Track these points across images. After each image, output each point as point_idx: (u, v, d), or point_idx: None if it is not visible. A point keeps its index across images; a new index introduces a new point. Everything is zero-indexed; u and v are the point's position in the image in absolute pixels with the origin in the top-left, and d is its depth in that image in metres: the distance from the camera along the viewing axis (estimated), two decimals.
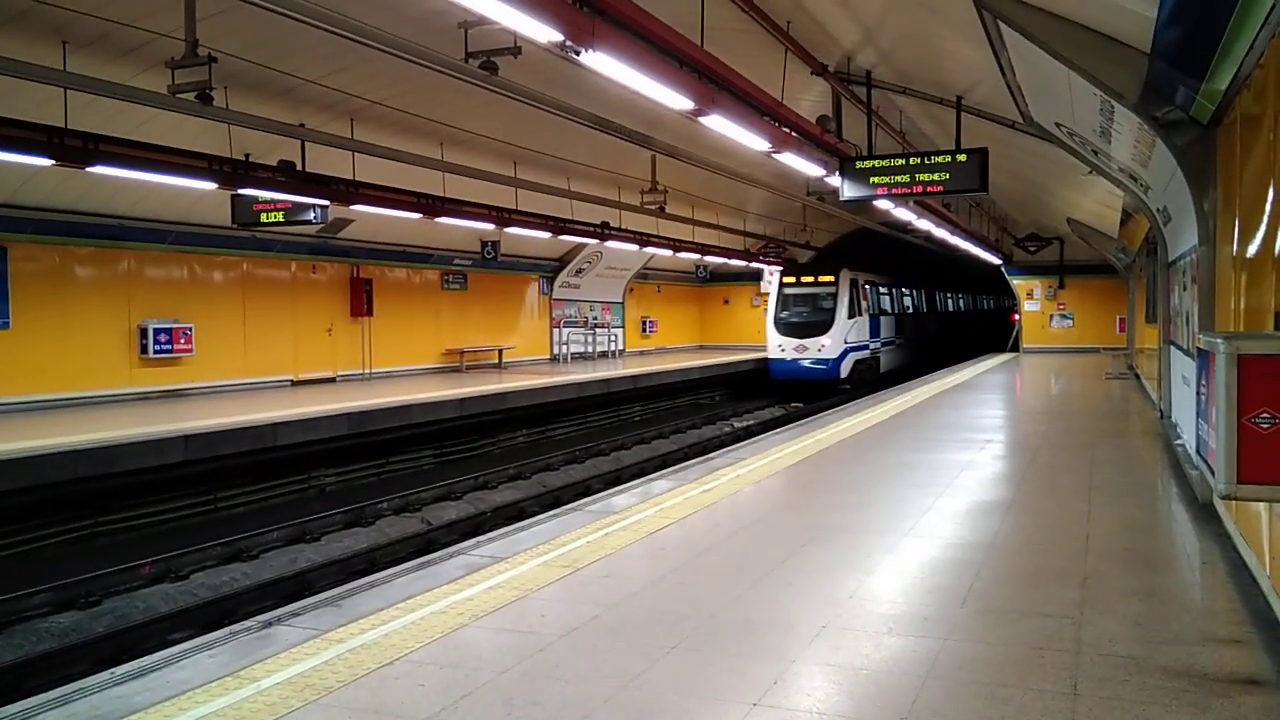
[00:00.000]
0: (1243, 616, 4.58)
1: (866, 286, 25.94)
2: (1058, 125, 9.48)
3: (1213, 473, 3.62)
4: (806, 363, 24.27)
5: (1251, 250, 4.80)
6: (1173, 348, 10.33)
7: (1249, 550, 5.17)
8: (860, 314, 25.14)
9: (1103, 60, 6.54)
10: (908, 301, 30.79)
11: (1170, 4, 4.47)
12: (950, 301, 35.89)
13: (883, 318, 27.39)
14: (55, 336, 13.19)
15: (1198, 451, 4.19)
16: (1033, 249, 27.89)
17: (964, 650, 4.18)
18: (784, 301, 25.14)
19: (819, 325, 24.26)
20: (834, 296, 24.43)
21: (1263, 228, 4.40)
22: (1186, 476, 7.93)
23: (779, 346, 24.63)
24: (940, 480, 8.24)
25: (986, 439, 10.83)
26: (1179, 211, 8.34)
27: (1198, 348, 4.23)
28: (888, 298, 28.41)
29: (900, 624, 4.54)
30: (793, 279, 25.11)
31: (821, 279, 24.78)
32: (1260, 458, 3.40)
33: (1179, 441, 9.13)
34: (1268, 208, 4.26)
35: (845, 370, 24.39)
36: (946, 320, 34.69)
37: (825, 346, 24.03)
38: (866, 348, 25.64)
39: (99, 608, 8.14)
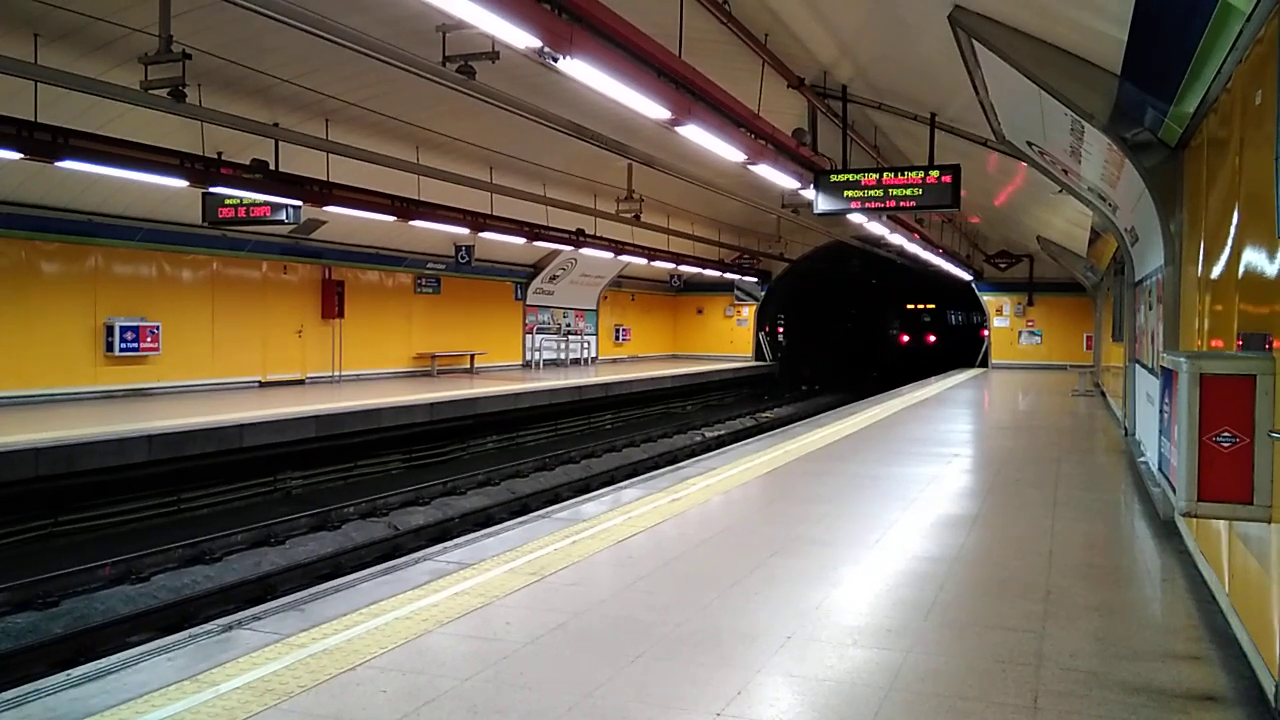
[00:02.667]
0: (1201, 633, 4.63)
1: (942, 309, 46.62)
2: (1029, 144, 9.59)
3: (1174, 490, 3.67)
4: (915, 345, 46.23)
5: (1216, 272, 4.88)
6: (1138, 366, 10.47)
7: (1208, 567, 5.24)
8: (941, 320, 46.69)
9: (1074, 81, 6.63)
10: (948, 316, 48.61)
11: (1140, 28, 4.54)
12: (956, 316, 50.84)
13: (941, 324, 47.51)
14: (18, 332, 12.99)
15: (1160, 469, 4.24)
16: (1003, 266, 28.19)
17: (927, 663, 4.21)
18: (911, 316, 47.21)
19: (928, 327, 47.09)
20: (933, 314, 46.83)
21: (1227, 250, 4.47)
22: (1149, 494, 8.03)
23: (907, 338, 46.87)
24: (907, 493, 8.29)
25: (954, 453, 10.91)
26: (1146, 232, 8.46)
27: (1162, 366, 4.28)
28: (948, 313, 47.48)
29: (865, 636, 4.56)
30: (913, 305, 46.45)
31: (927, 305, 46.40)
32: (1220, 476, 3.45)
33: (1142, 459, 9.24)
34: (1232, 230, 4.33)
35: (937, 349, 43.16)
36: (956, 327, 49.50)
37: (933, 340, 45.78)
38: (939, 337, 46.01)
39: (57, 608, 8.00)
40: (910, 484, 8.76)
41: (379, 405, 14.00)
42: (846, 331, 43.42)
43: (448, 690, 3.88)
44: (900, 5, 8.45)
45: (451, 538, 8.36)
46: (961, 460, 10.46)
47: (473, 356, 22.16)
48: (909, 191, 10.47)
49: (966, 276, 27.80)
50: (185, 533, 10.11)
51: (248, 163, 12.34)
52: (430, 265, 20.76)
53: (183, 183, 11.64)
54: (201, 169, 11.65)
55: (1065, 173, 9.83)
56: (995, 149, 11.13)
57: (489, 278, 22.82)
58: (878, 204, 10.66)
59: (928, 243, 20.43)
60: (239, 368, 16.38)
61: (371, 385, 17.82)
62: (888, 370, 37.40)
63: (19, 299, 13.02)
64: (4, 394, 12.77)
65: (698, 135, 8.71)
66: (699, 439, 19.77)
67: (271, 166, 12.46)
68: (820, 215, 11.28)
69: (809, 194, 11.40)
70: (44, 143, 9.83)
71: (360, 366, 19.03)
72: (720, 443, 18.58)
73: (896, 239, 18.85)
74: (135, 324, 14.32)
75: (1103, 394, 18.92)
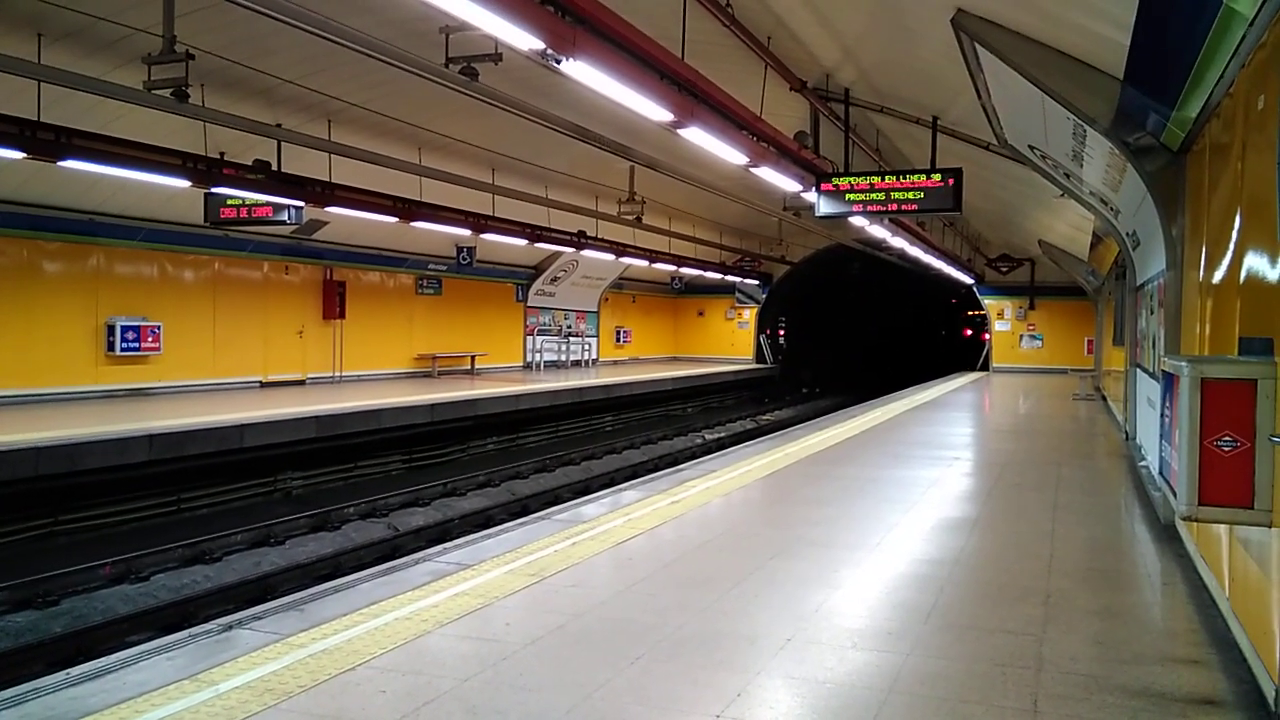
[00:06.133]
0: (1201, 637, 4.63)
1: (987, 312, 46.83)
2: (1031, 148, 9.59)
3: (1175, 494, 3.67)
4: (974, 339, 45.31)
5: (1217, 276, 4.88)
6: (1138, 370, 10.46)
7: (1209, 572, 5.23)
8: (985, 323, 46.45)
9: (1076, 85, 6.64)
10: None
11: (1143, 32, 4.55)
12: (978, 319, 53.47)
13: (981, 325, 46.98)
14: (20, 331, 13.00)
15: (1160, 473, 4.24)
16: (1004, 269, 28.20)
17: (927, 666, 4.20)
18: (967, 319, 46.33)
19: (981, 327, 45.05)
20: (983, 317, 45.83)
21: (1229, 255, 4.47)
22: (1149, 498, 8.02)
23: (967, 335, 46.01)
24: (908, 496, 8.28)
25: (955, 456, 10.91)
26: (1148, 236, 8.46)
27: (1163, 371, 4.28)
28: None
29: (864, 638, 4.56)
30: (969, 311, 44.58)
31: (978, 313, 45.89)
32: (1221, 480, 3.45)
33: (1143, 463, 9.24)
34: (1234, 235, 4.33)
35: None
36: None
37: (985, 336, 45.67)
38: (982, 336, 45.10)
39: (57, 607, 8.01)
40: (911, 487, 8.76)
41: (379, 406, 14.01)
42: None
43: (447, 691, 3.88)
44: (903, 9, 8.46)
45: (451, 539, 8.36)
46: (962, 464, 10.46)
47: (473, 358, 22.16)
48: (911, 195, 10.48)
49: (968, 280, 27.80)
50: (185, 532, 10.11)
51: (250, 163, 12.35)
52: (432, 266, 20.77)
53: (185, 183, 11.65)
54: (204, 169, 11.66)
55: (1067, 176, 9.83)
56: (997, 152, 11.14)
57: (490, 279, 22.83)
58: (879, 207, 10.67)
59: (929, 245, 20.42)
60: (240, 368, 16.39)
61: (372, 386, 17.82)
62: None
63: (21, 298, 13.03)
64: (5, 393, 12.78)
65: (700, 138, 8.71)
66: (699, 441, 19.77)
67: (274, 167, 12.47)
68: (822, 218, 11.29)
69: (810, 197, 11.41)
70: (47, 142, 9.84)
71: (361, 367, 19.03)
72: (720, 445, 18.57)
73: (898, 242, 18.85)
74: (136, 324, 14.33)
75: (1103, 398, 18.91)
